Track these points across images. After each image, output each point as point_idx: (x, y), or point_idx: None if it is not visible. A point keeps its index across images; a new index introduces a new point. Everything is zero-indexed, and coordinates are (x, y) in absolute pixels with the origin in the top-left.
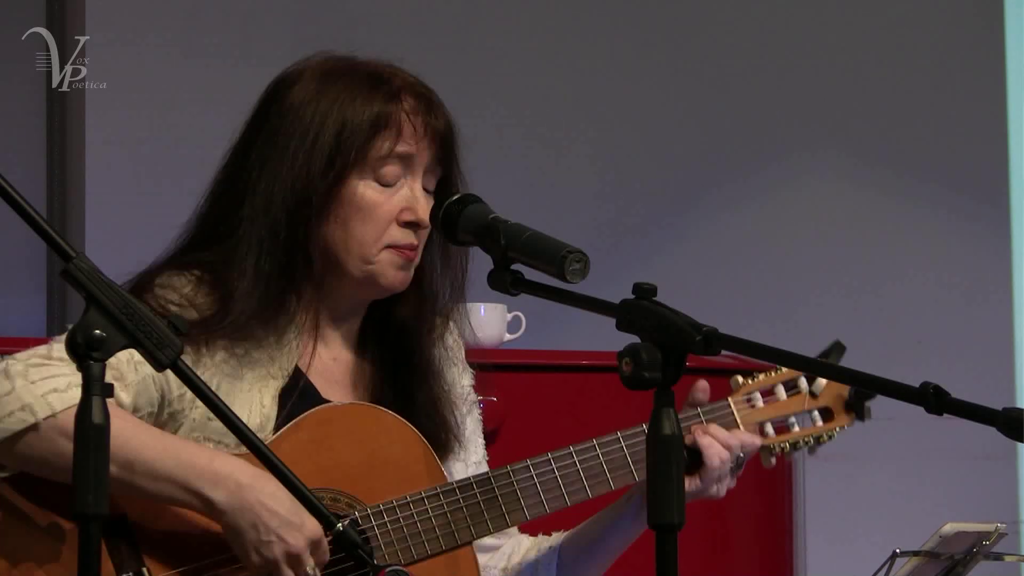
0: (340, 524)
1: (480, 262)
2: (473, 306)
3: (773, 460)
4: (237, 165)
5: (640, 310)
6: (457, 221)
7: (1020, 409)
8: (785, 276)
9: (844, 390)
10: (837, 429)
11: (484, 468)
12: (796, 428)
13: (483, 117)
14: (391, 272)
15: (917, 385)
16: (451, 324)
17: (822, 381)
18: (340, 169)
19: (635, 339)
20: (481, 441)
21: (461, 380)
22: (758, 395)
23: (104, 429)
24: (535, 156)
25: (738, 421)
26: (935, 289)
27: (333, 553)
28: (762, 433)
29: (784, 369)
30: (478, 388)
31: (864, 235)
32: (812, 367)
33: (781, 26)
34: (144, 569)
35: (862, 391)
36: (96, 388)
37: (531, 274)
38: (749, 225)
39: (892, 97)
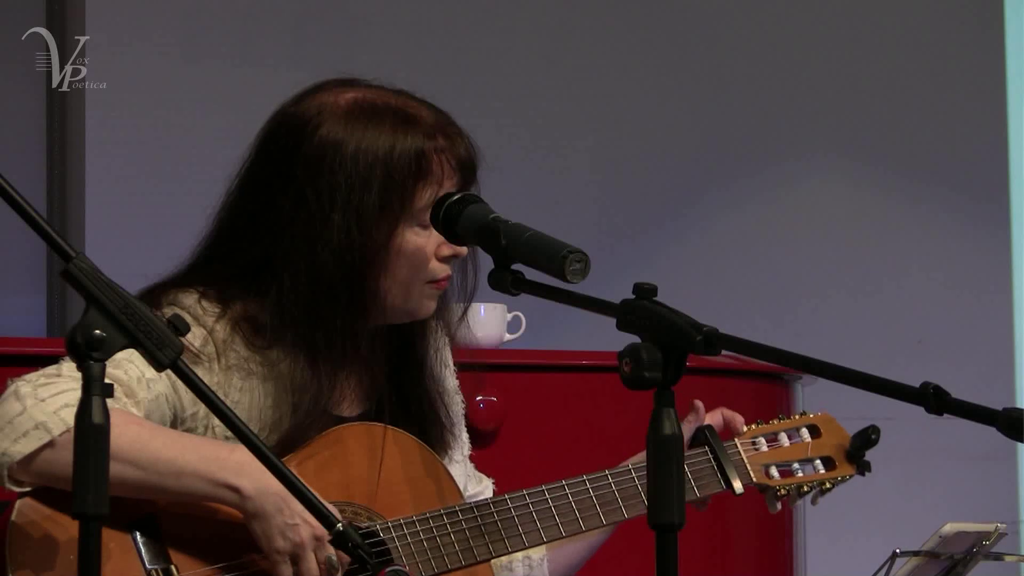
0: (340, 524)
1: (480, 262)
2: (473, 306)
3: (779, 505)
4: (260, 202)
5: (640, 310)
6: (457, 221)
7: (1020, 409)
8: (785, 276)
9: (845, 440)
10: (839, 478)
11: (470, 463)
12: (800, 474)
13: (483, 117)
14: (428, 304)
15: (917, 385)
16: (439, 325)
17: (824, 431)
18: (391, 223)
19: (635, 339)
20: (466, 436)
21: (453, 382)
22: (762, 439)
23: (104, 429)
24: (535, 156)
25: (745, 460)
26: (935, 289)
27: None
28: (767, 476)
29: (786, 419)
30: (477, 388)
31: (864, 235)
32: (812, 367)
33: (781, 26)
34: (172, 567)
35: (862, 443)
36: (96, 388)
37: (531, 274)
38: (749, 225)
39: (892, 97)
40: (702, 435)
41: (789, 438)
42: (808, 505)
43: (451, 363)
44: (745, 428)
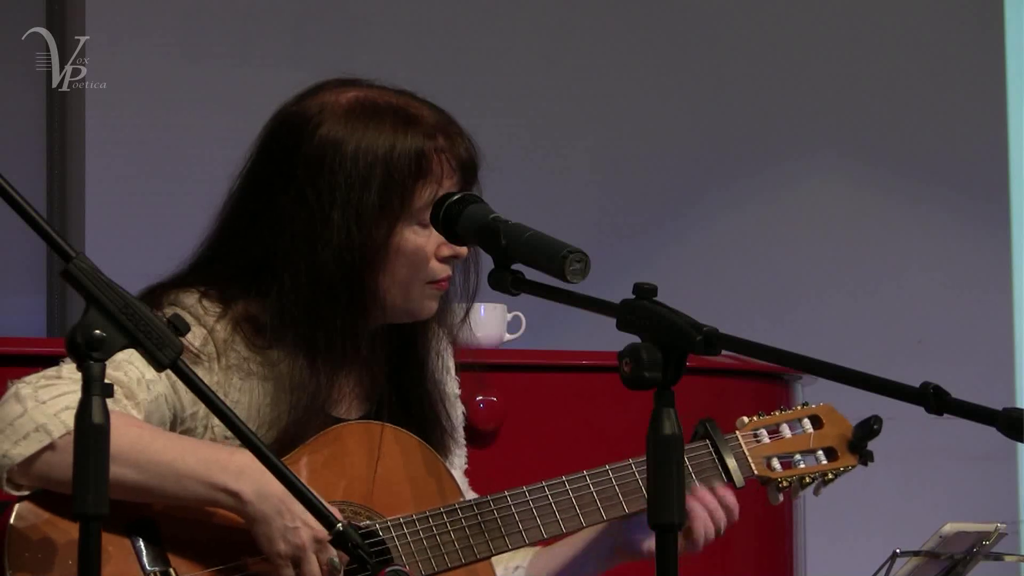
0: (340, 524)
1: (480, 262)
2: (473, 306)
3: (780, 496)
4: (261, 201)
5: (640, 310)
6: (457, 221)
7: (1020, 409)
8: (785, 276)
9: (847, 431)
10: (842, 468)
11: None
12: (802, 465)
13: (483, 117)
14: (428, 304)
15: (917, 385)
16: (442, 330)
17: (826, 421)
18: (390, 222)
19: (635, 339)
20: (464, 450)
21: (454, 388)
22: (764, 432)
23: (104, 429)
24: (535, 156)
25: (746, 453)
26: (935, 289)
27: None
28: (769, 468)
29: (788, 410)
30: (477, 388)
31: (864, 235)
32: (812, 367)
33: (781, 26)
34: (171, 570)
35: (864, 432)
36: (96, 388)
37: (531, 274)
38: (749, 225)
39: (892, 97)
40: (703, 428)
41: (791, 429)
42: (808, 505)
43: (453, 369)
44: (747, 419)
